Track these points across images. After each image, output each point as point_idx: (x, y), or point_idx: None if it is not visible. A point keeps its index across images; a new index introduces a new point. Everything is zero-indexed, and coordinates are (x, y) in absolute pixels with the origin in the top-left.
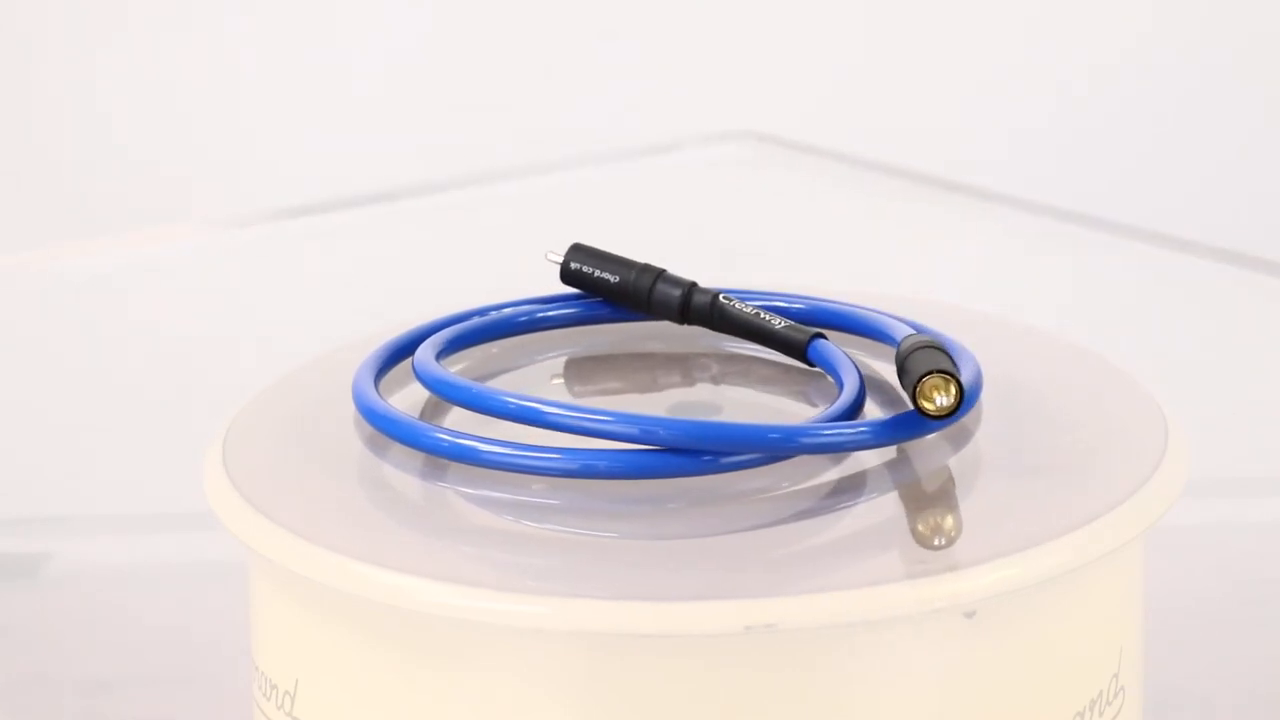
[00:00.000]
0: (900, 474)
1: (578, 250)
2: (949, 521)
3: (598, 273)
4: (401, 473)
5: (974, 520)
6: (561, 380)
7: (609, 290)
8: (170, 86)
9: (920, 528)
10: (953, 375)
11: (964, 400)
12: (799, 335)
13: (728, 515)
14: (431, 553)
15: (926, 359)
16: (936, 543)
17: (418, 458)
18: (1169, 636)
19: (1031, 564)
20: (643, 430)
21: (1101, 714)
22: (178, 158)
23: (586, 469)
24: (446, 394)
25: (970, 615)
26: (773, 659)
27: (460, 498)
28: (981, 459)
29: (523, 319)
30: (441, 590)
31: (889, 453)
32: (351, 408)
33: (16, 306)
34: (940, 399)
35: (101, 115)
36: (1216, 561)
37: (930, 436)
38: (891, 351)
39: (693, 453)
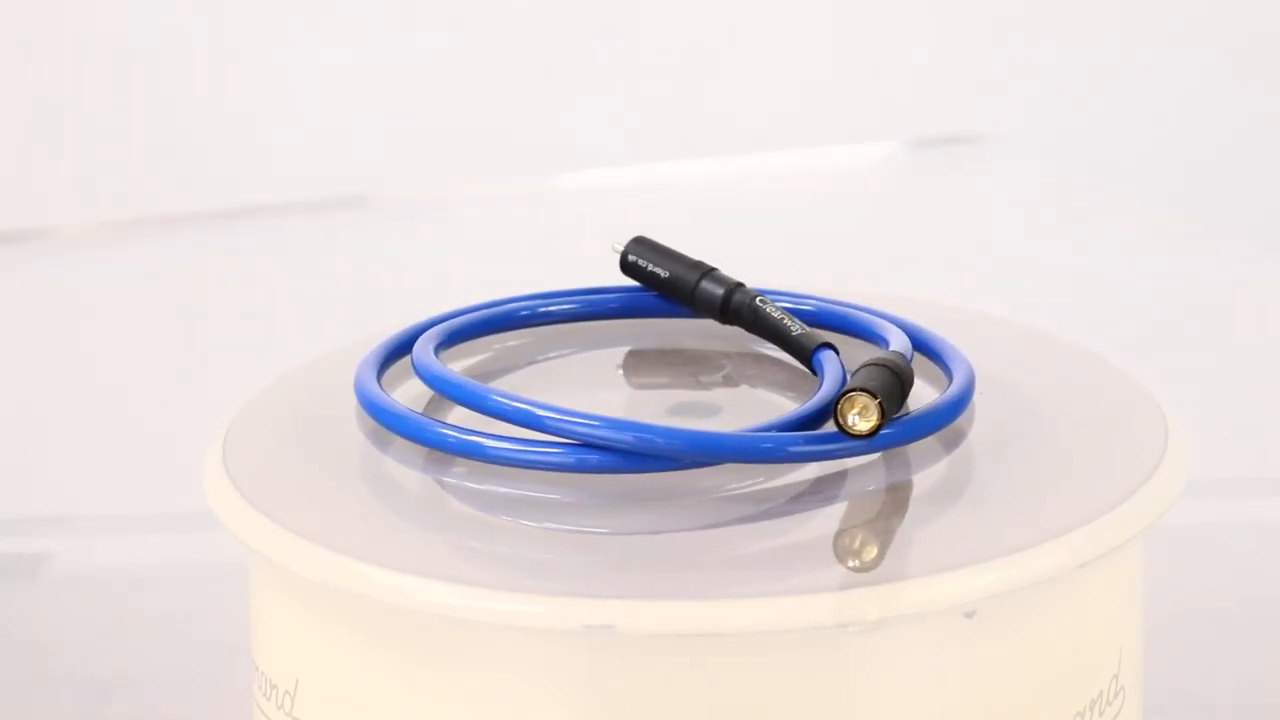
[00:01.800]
0: (894, 473)
1: (638, 243)
2: (871, 549)
3: (651, 266)
4: (401, 472)
5: (972, 520)
6: (573, 375)
7: (660, 284)
8: (171, 80)
9: (844, 542)
10: (873, 395)
11: (886, 423)
12: (807, 343)
13: (716, 511)
14: (432, 552)
15: (860, 377)
16: (851, 564)
17: (418, 456)
18: (1169, 636)
19: (1031, 564)
20: (638, 438)
21: (1101, 714)
22: (178, 153)
23: (581, 463)
24: (443, 390)
25: (970, 615)
26: (773, 658)
27: (461, 496)
28: (981, 459)
29: (524, 313)
30: (441, 590)
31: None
32: (351, 407)
33: (15, 307)
34: (853, 419)
35: (95, 107)
36: (1216, 561)
37: (928, 438)
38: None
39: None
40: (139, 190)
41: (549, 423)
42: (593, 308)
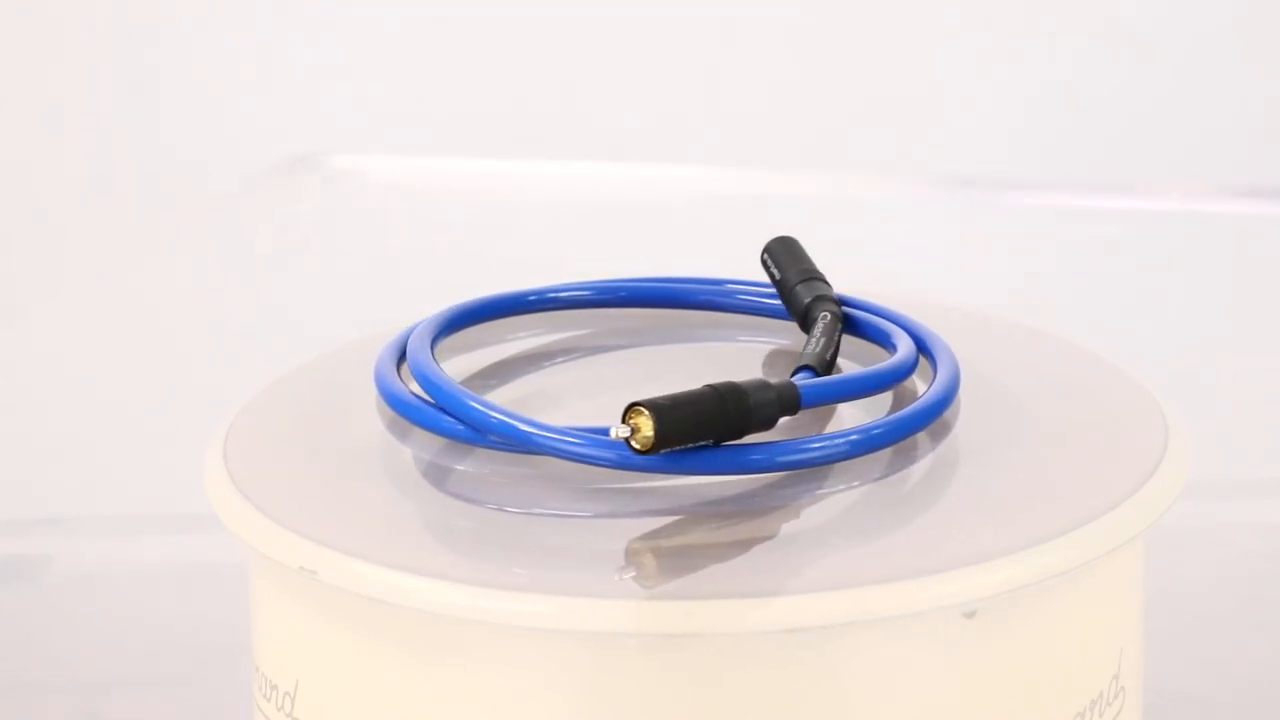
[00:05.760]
0: (892, 471)
1: (778, 241)
2: (647, 561)
3: (772, 266)
4: (402, 471)
5: (972, 520)
6: (584, 371)
7: (776, 285)
8: (176, 82)
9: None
10: (648, 413)
11: (661, 443)
12: (804, 361)
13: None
14: (432, 552)
15: (670, 395)
16: (628, 575)
17: (419, 455)
18: (1169, 636)
19: (1031, 564)
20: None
21: (1102, 715)
22: (181, 149)
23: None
24: (432, 395)
25: (970, 615)
26: (769, 656)
27: (461, 496)
28: (981, 459)
29: (532, 298)
30: (441, 590)
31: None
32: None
33: (14, 306)
34: (619, 430)
35: (93, 90)
36: (1216, 561)
37: (921, 435)
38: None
39: None
40: (138, 188)
41: (535, 438)
42: (605, 296)
